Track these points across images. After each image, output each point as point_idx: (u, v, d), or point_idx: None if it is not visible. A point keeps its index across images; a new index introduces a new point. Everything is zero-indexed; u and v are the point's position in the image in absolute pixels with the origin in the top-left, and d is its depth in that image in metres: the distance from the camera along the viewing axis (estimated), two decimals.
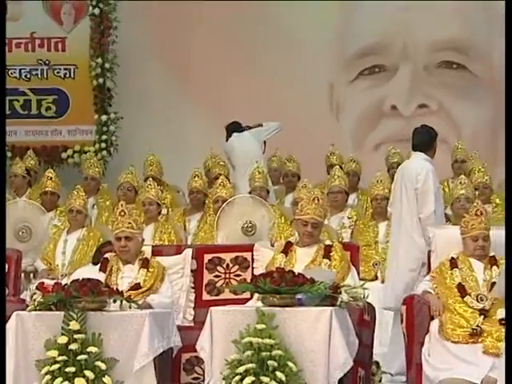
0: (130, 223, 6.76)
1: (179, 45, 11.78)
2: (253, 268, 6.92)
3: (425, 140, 8.11)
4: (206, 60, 11.71)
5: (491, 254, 6.50)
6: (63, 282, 6.56)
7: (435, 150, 8.19)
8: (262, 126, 10.63)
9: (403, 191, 7.86)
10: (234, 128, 10.58)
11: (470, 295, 6.29)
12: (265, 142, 10.63)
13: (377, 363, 6.70)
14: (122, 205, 7.02)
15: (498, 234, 6.66)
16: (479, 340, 6.07)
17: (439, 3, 11.58)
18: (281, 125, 10.56)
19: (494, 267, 6.42)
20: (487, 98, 11.62)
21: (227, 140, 10.56)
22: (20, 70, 11.61)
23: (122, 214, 6.79)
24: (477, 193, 8.90)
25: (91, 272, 6.85)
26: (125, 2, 11.48)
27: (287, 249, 6.72)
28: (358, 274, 6.81)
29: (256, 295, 6.15)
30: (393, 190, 8.12)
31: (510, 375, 3.20)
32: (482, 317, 6.15)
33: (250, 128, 10.59)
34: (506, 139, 4.70)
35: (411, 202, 7.84)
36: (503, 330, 5.90)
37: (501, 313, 6.10)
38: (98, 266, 7.00)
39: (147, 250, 6.93)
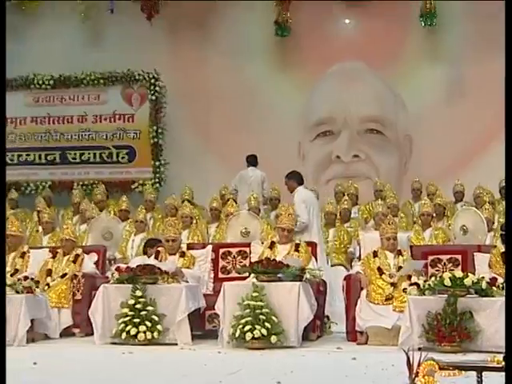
0: (175, 232, 6.85)
1: (203, 117, 11.72)
2: (250, 257, 6.94)
3: (302, 178, 8.06)
4: (220, 126, 11.63)
5: (398, 248, 6.51)
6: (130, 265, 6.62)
7: None
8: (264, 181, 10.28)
9: (316, 211, 7.81)
10: (252, 160, 10.28)
11: (385, 274, 6.32)
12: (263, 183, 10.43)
13: (327, 317, 6.71)
14: (171, 219, 7.14)
15: (402, 236, 6.79)
16: (390, 302, 6.09)
17: (365, 92, 11.59)
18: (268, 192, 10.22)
19: (400, 257, 6.44)
20: (394, 152, 11.55)
21: (248, 166, 10.25)
22: (106, 134, 11.53)
23: (172, 224, 6.88)
24: (389, 210, 8.79)
25: (140, 260, 7.00)
26: (170, 92, 11.45)
27: (271, 246, 6.74)
28: (316, 260, 6.81)
29: (252, 275, 6.17)
30: (312, 212, 7.74)
31: (509, 376, 2.88)
32: (392, 288, 6.18)
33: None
34: (506, 139, 3.85)
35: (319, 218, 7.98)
36: (405, 296, 5.89)
37: (404, 285, 6.12)
38: (151, 255, 7.03)
39: (184, 246, 6.99)
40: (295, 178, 8.02)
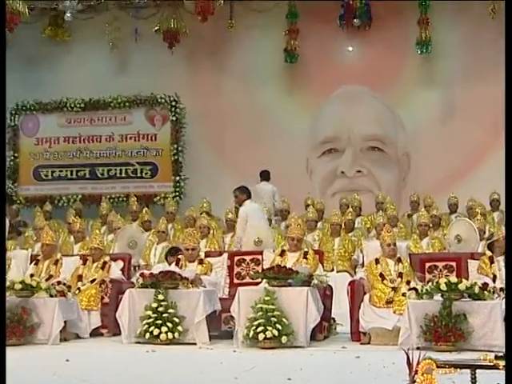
0: (194, 241, 6.83)
1: (219, 136, 11.74)
2: (262, 264, 6.89)
3: (250, 192, 8.17)
4: (234, 145, 11.64)
5: (398, 255, 6.47)
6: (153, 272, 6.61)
7: None
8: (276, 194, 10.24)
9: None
10: (265, 175, 10.28)
11: (386, 279, 6.29)
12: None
13: (333, 319, 6.67)
14: (190, 230, 7.14)
15: (401, 245, 6.76)
16: (391, 305, 6.05)
17: (367, 113, 11.55)
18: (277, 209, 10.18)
19: (400, 264, 6.41)
20: (394, 167, 11.49)
21: (261, 180, 10.22)
22: (131, 152, 11.58)
23: (191, 234, 6.87)
24: (389, 220, 8.77)
25: (162, 267, 6.91)
26: (189, 113, 11.49)
27: (282, 253, 6.70)
28: (323, 267, 6.80)
29: (264, 280, 6.15)
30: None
31: (509, 376, 2.80)
32: (393, 292, 6.15)
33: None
34: (506, 140, 3.59)
35: None
36: (404, 300, 5.86)
37: (403, 289, 6.08)
38: (171, 262, 6.93)
39: (202, 254, 6.97)
40: (243, 192, 8.09)
